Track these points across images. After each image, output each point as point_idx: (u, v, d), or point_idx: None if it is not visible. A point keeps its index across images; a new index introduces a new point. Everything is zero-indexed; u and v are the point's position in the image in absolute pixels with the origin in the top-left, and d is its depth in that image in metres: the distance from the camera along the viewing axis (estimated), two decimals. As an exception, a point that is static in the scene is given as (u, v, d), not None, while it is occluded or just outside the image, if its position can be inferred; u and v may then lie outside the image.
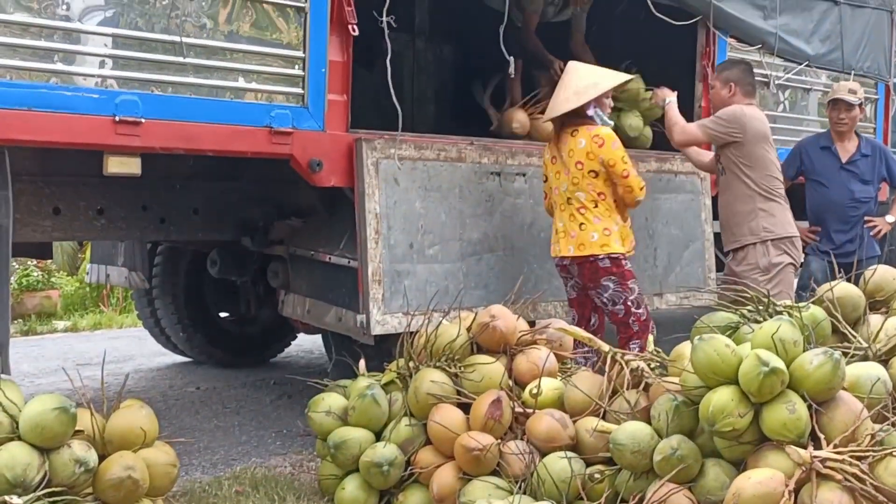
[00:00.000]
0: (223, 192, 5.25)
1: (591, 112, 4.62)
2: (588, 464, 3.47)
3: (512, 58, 5.01)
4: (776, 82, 6.51)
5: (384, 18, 4.51)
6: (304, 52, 4.26)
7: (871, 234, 5.79)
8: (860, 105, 5.84)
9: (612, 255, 4.57)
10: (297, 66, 4.25)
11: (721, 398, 3.13)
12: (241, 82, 4.11)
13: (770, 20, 6.35)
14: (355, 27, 4.39)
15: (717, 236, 6.16)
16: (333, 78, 4.38)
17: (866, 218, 5.78)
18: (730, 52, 6.16)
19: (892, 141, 7.70)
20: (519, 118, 5.66)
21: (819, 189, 5.84)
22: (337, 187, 4.58)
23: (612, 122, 4.76)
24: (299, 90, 4.27)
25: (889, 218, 5.88)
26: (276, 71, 4.21)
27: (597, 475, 3.41)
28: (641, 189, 4.65)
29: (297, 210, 5.16)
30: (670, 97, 5.34)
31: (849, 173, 5.80)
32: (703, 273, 5.95)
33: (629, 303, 4.58)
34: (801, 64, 6.65)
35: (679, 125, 5.24)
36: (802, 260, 5.62)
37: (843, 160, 5.82)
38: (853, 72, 7.03)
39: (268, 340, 6.87)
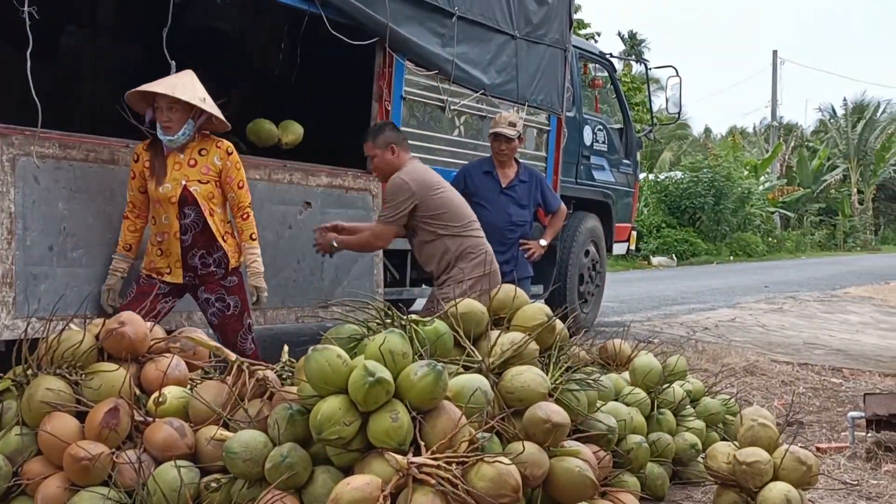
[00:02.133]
0: None
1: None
2: (208, 473, 3.45)
3: (173, 62, 4.94)
4: (452, 108, 6.81)
5: (25, 9, 4.28)
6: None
7: (526, 256, 6.17)
8: (519, 137, 6.20)
9: None
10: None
11: (329, 407, 3.20)
12: None
13: (448, 48, 6.63)
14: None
15: (391, 252, 6.34)
16: (-37, 67, 4.13)
17: (521, 241, 6.16)
18: (407, 75, 6.38)
19: (563, 170, 8.27)
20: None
21: (480, 211, 6.12)
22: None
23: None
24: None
25: (542, 241, 6.30)
26: None
27: (213, 483, 3.39)
28: None
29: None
30: None
31: (507, 197, 6.16)
32: (372, 287, 6.10)
33: None
34: (477, 92, 6.99)
35: (366, 234, 5.35)
36: None
37: (503, 185, 6.18)
38: (527, 103, 7.48)
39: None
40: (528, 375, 3.71)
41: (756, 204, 31.73)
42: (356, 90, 6.49)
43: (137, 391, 3.76)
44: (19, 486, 3.49)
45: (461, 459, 3.19)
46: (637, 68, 27.94)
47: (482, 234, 5.43)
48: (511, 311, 4.15)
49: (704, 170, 28.59)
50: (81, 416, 3.56)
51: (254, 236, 4.80)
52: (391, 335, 3.36)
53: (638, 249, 11.71)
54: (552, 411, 3.56)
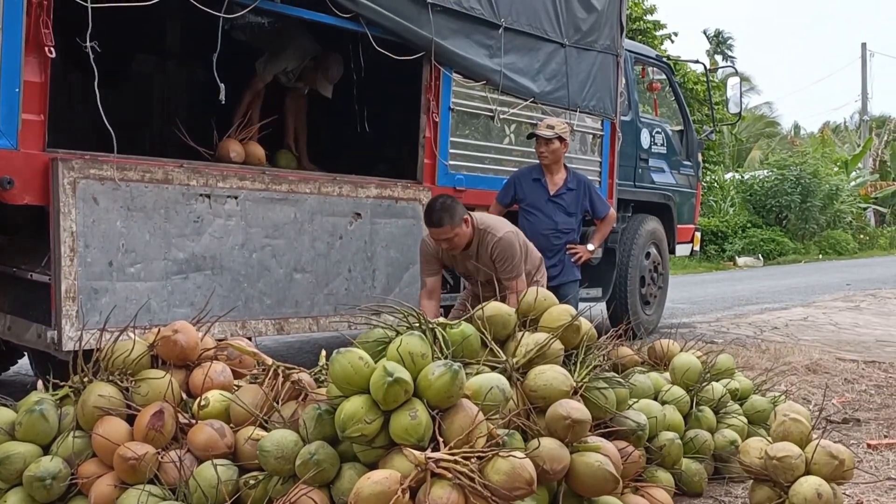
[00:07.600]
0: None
1: None
2: (248, 471, 3.69)
3: (222, 84, 5.22)
4: (501, 117, 6.96)
5: (88, 44, 4.58)
6: (-4, 72, 4.32)
7: (573, 260, 6.30)
8: (560, 139, 6.30)
9: None
10: (-13, 86, 4.31)
11: (352, 406, 3.40)
12: (-75, 99, 4.13)
13: (495, 58, 6.78)
14: (52, 49, 4.47)
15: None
16: (29, 98, 4.44)
17: (569, 245, 6.30)
18: (455, 87, 6.56)
19: (620, 175, 8.36)
20: (234, 147, 5.88)
21: (529, 217, 6.31)
22: (43, 206, 4.65)
23: None
24: (-10, 109, 4.33)
25: (590, 246, 6.42)
26: (-35, 90, 4.24)
27: (251, 481, 3.62)
28: None
29: (4, 227, 5.16)
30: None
31: (555, 205, 6.30)
32: (424, 294, 6.28)
33: None
34: (526, 100, 7.13)
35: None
36: None
37: (551, 192, 6.32)
38: (578, 109, 7.60)
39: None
40: (550, 374, 3.85)
41: (846, 200, 30.99)
42: (410, 102, 6.69)
43: (185, 395, 4.02)
44: (76, 487, 3.78)
45: (477, 454, 3.36)
46: (719, 68, 27.57)
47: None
48: (538, 312, 4.31)
49: (790, 167, 28.07)
50: (131, 420, 3.84)
51: None
52: (410, 337, 3.55)
53: (703, 250, 11.66)
54: (572, 408, 3.68)
